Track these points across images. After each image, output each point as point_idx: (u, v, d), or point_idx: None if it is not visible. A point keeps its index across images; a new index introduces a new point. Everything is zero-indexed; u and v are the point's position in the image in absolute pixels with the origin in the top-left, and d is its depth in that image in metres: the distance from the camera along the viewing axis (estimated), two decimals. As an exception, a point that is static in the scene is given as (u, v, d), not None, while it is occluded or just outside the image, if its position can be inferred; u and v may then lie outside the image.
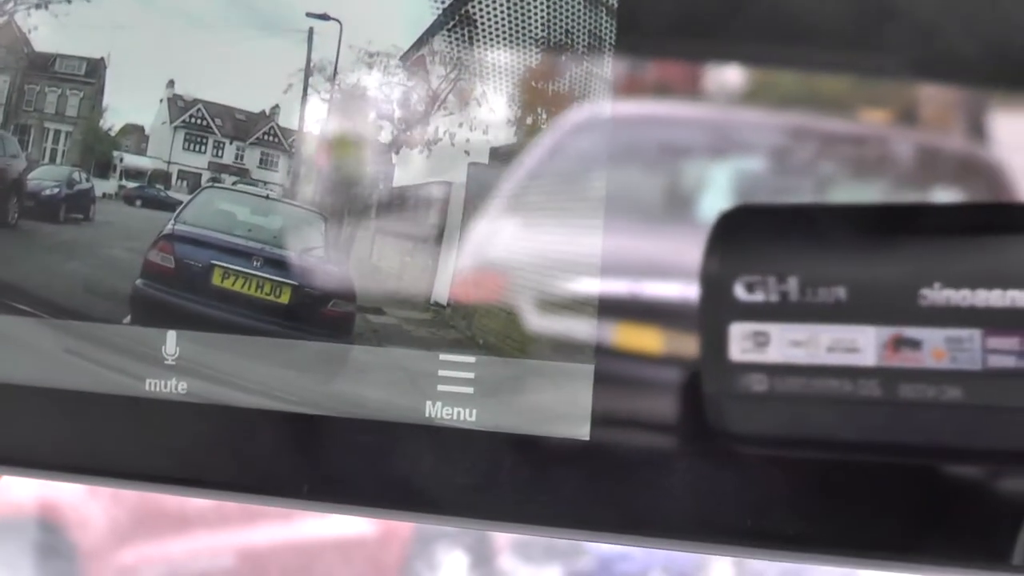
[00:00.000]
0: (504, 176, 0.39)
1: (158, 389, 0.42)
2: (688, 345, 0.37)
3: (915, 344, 0.35)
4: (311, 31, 0.41)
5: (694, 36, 0.39)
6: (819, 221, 0.36)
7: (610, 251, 0.38)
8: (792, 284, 0.36)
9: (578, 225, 0.38)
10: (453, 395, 0.39)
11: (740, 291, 0.36)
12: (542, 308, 0.39)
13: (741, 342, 0.36)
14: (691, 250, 0.37)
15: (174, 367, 0.42)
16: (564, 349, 0.38)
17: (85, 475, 0.44)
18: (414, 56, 0.41)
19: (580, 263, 0.38)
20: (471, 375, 0.39)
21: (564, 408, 0.38)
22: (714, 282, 0.36)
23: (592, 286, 0.38)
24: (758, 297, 0.36)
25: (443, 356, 0.39)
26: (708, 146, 0.38)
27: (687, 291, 0.37)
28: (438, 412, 0.39)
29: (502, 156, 0.40)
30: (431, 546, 2.68)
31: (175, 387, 0.42)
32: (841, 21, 0.37)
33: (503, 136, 0.40)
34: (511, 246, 0.39)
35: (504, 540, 2.64)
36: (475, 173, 0.40)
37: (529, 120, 0.39)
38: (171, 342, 0.42)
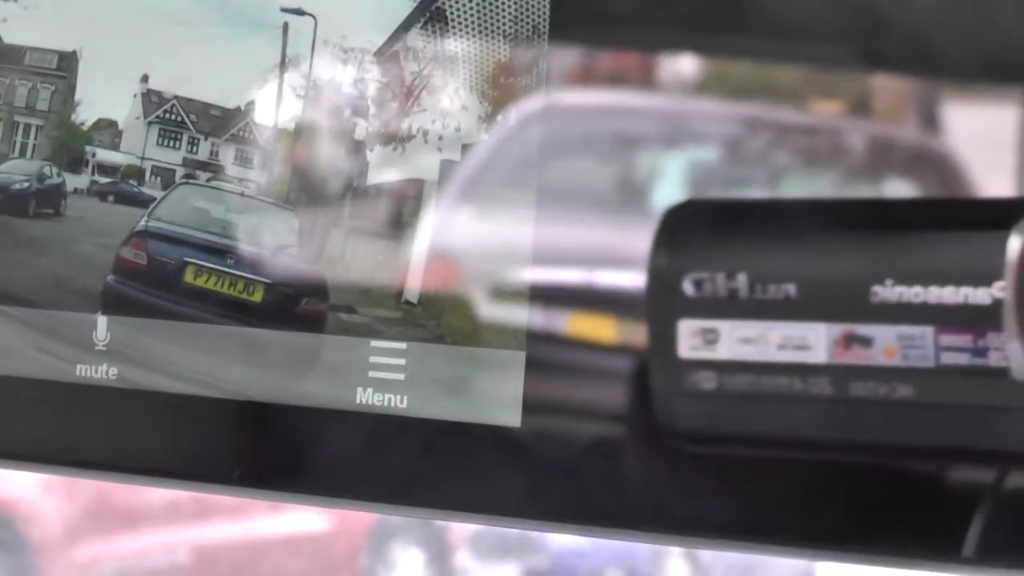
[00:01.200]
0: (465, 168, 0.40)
1: (89, 374, 0.43)
2: (634, 337, 0.38)
3: (866, 341, 0.35)
4: (286, 26, 0.42)
5: (650, 25, 0.39)
6: (769, 216, 0.37)
7: (543, 240, 0.38)
8: (741, 280, 0.36)
9: (513, 214, 0.38)
10: (384, 382, 0.40)
11: (688, 287, 0.36)
12: (484, 296, 0.39)
13: (690, 339, 0.36)
14: (641, 240, 0.37)
15: (105, 352, 0.42)
16: (498, 336, 0.39)
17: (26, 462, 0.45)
18: (388, 51, 0.41)
19: (514, 251, 0.38)
20: (403, 362, 0.39)
21: (496, 395, 0.38)
22: (662, 278, 0.37)
23: (523, 274, 0.38)
24: (707, 293, 0.36)
25: (375, 343, 0.40)
26: (661, 136, 0.39)
27: (633, 281, 0.37)
28: (369, 399, 0.40)
29: (474, 154, 0.40)
30: (386, 543, 2.71)
31: (106, 372, 0.42)
32: (794, 11, 0.37)
33: (474, 133, 0.40)
34: (460, 235, 0.40)
35: (460, 537, 2.66)
36: (447, 170, 0.40)
37: (499, 116, 0.40)
38: (102, 327, 0.43)
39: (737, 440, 0.36)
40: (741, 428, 0.36)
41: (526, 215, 0.38)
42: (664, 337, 0.36)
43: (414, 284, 0.40)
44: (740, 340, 0.36)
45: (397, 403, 0.39)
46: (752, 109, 0.38)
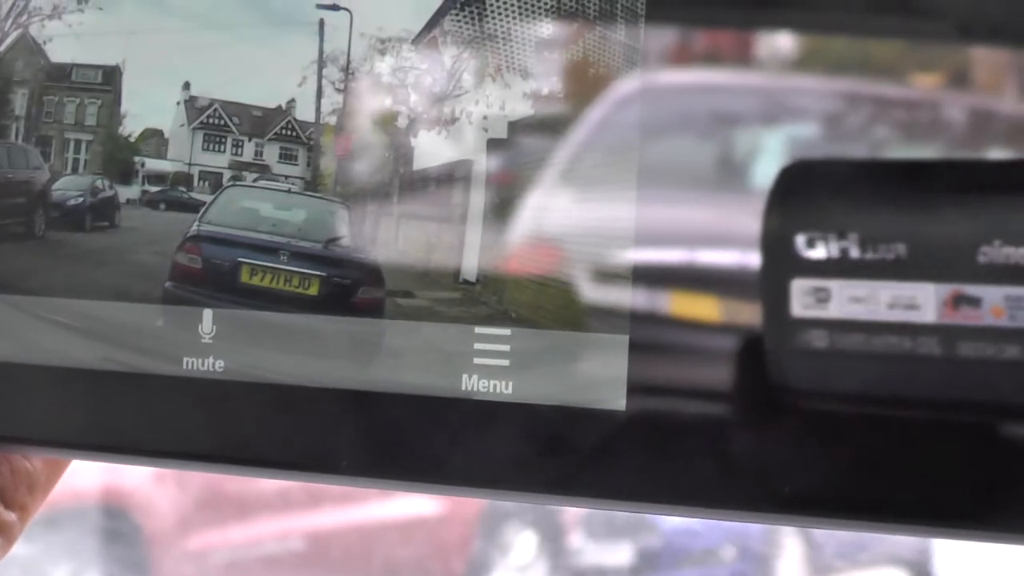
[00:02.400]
0: (524, 149, 0.41)
1: (195, 367, 0.43)
2: (737, 315, 0.38)
3: (974, 302, 0.36)
4: (322, 22, 0.43)
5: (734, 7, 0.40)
6: (880, 176, 0.38)
7: (643, 220, 0.39)
8: (853, 240, 0.37)
9: (614, 194, 0.39)
10: (489, 368, 0.40)
11: (801, 247, 0.37)
12: (580, 278, 0.40)
13: (802, 298, 0.37)
14: (741, 218, 0.38)
15: (211, 345, 0.43)
16: (598, 319, 0.39)
17: (133, 455, 0.46)
18: (426, 39, 0.42)
19: (614, 232, 0.39)
20: (507, 348, 0.40)
21: (599, 378, 0.39)
22: (775, 237, 0.38)
23: (626, 254, 0.39)
24: (819, 253, 0.37)
25: (478, 330, 0.41)
26: (759, 113, 0.39)
27: (735, 258, 0.38)
28: (474, 385, 0.40)
29: (521, 130, 0.41)
30: (499, 526, 2.71)
31: (212, 364, 0.43)
32: None
33: (520, 110, 0.41)
34: (549, 218, 0.41)
35: (573, 518, 2.67)
36: (495, 149, 0.41)
37: (545, 91, 0.41)
38: (208, 320, 0.44)
39: (848, 398, 0.37)
40: (852, 386, 0.37)
41: (627, 196, 0.39)
42: (777, 296, 0.37)
43: (471, 263, 0.41)
44: (851, 299, 0.37)
45: (502, 389, 0.40)
46: (850, 84, 0.39)
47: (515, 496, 0.42)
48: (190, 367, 0.44)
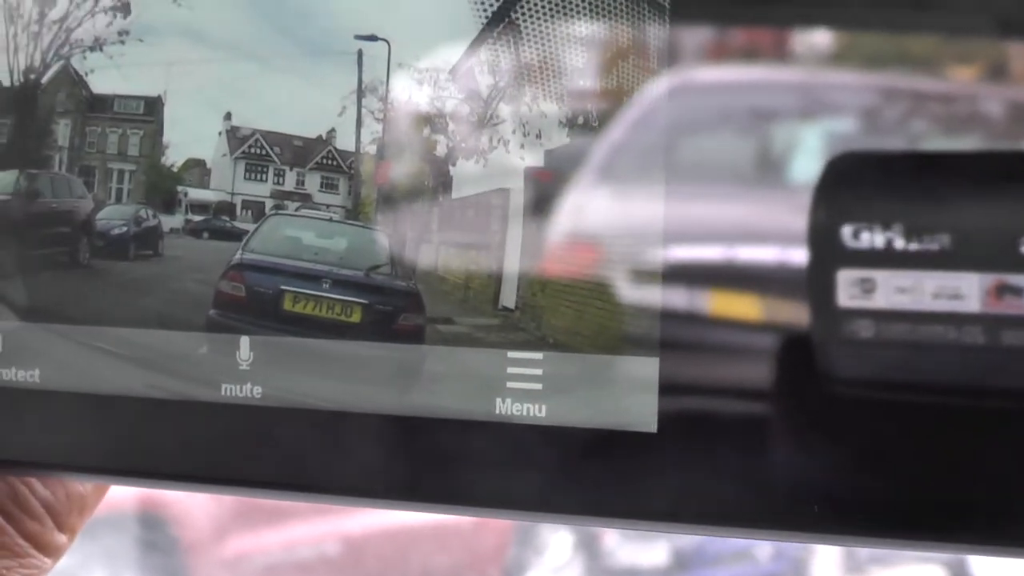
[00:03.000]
0: (561, 176, 0.42)
1: (234, 393, 0.45)
2: (781, 304, 0.39)
3: (1017, 291, 0.37)
4: (360, 53, 0.44)
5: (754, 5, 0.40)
6: (924, 168, 0.38)
7: (680, 218, 0.40)
8: (898, 231, 0.38)
9: (647, 194, 0.40)
10: (522, 392, 0.41)
11: (847, 237, 0.38)
12: (613, 286, 0.41)
13: (848, 288, 0.38)
14: (780, 214, 0.39)
15: (249, 372, 0.44)
16: (629, 341, 0.40)
17: (170, 481, 0.47)
18: (463, 68, 0.43)
19: (646, 232, 0.40)
20: (539, 371, 0.41)
21: (630, 401, 0.40)
22: (822, 228, 0.38)
23: (656, 260, 0.40)
24: (864, 244, 0.38)
25: (511, 354, 0.41)
26: (796, 108, 0.40)
27: (775, 253, 0.39)
28: (508, 409, 0.41)
29: (557, 158, 0.42)
30: (535, 527, 2.72)
31: (250, 391, 0.44)
32: None
33: (556, 138, 0.42)
34: (583, 221, 0.41)
35: None
36: (532, 177, 0.42)
37: (580, 120, 0.41)
38: (245, 347, 0.45)
39: (894, 387, 0.38)
40: (898, 375, 0.38)
41: (657, 194, 0.40)
42: (824, 286, 0.38)
43: (510, 290, 0.42)
44: (896, 289, 0.38)
45: (536, 412, 0.41)
46: (887, 78, 0.39)
47: (550, 518, 0.43)
48: (228, 393, 0.45)
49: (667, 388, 0.40)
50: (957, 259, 0.37)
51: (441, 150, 0.44)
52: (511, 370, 0.42)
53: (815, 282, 0.38)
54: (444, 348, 0.43)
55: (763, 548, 2.57)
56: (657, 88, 0.41)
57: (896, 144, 0.39)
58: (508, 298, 0.42)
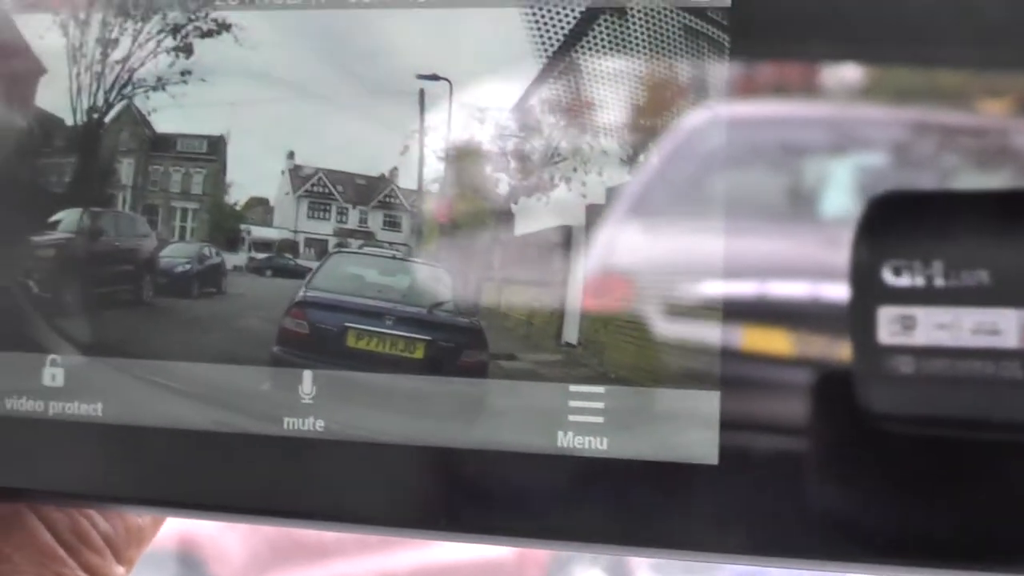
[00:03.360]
0: (622, 212, 0.42)
1: (296, 427, 0.45)
2: (811, 348, 0.40)
3: None
4: (422, 92, 0.45)
5: (807, 41, 0.41)
6: (963, 206, 0.40)
7: (713, 254, 0.41)
8: (937, 268, 0.39)
9: (700, 232, 0.41)
10: (584, 425, 0.42)
11: (888, 275, 0.39)
12: (666, 319, 0.41)
13: (889, 325, 0.39)
14: (812, 249, 0.41)
15: (312, 405, 0.45)
16: (690, 376, 0.41)
17: (235, 513, 0.47)
18: (524, 107, 0.44)
19: (698, 268, 0.41)
20: (601, 405, 0.42)
21: (691, 434, 0.40)
22: (863, 266, 0.40)
23: (716, 292, 0.41)
24: (905, 281, 0.39)
25: (573, 388, 0.42)
26: (827, 143, 0.41)
27: (805, 291, 0.40)
28: (570, 442, 0.42)
29: (619, 195, 0.42)
30: (568, 566, 2.73)
31: (313, 424, 0.45)
32: (954, 13, 0.39)
33: (617, 176, 0.42)
34: (633, 255, 0.42)
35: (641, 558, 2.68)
36: (593, 214, 0.43)
37: (641, 157, 0.42)
38: (308, 381, 0.45)
39: (934, 422, 0.39)
40: (938, 411, 0.39)
41: (716, 231, 0.41)
42: (865, 323, 0.39)
43: (572, 325, 0.43)
44: (936, 326, 0.39)
45: (597, 445, 0.42)
46: (918, 112, 0.40)
47: (612, 549, 0.43)
48: (291, 427, 0.45)
49: (728, 421, 0.41)
50: (995, 295, 0.38)
51: (503, 188, 0.44)
52: (573, 404, 0.43)
53: (857, 319, 0.39)
54: (507, 383, 0.43)
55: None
56: (715, 124, 0.41)
57: (928, 178, 0.40)
58: (570, 334, 0.43)
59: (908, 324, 0.39)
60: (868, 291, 0.39)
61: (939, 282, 0.39)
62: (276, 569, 2.57)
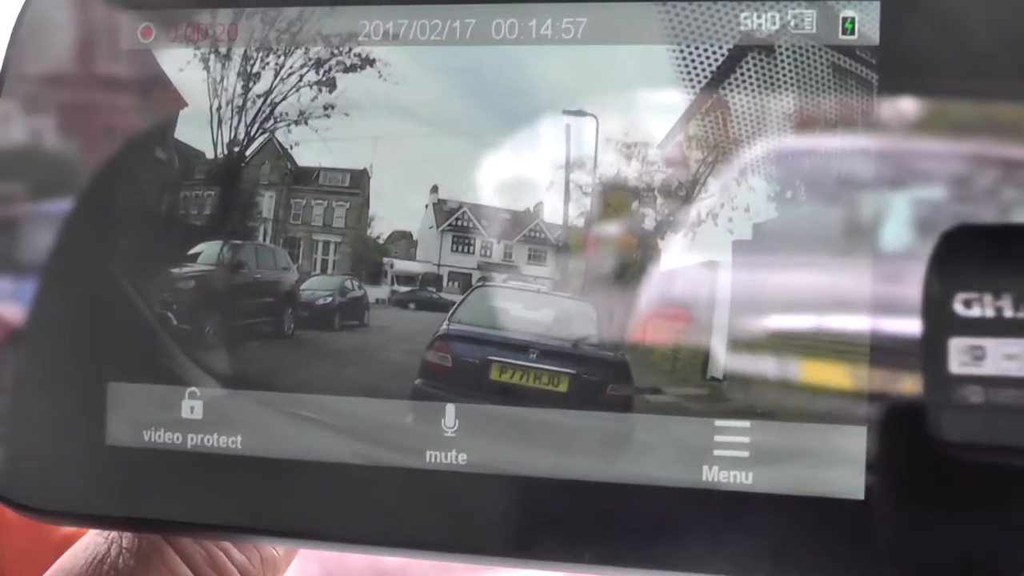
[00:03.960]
0: (769, 249, 0.43)
1: (438, 460, 0.46)
2: (870, 381, 0.42)
3: None
4: (568, 128, 0.45)
5: (953, 77, 0.42)
6: None
7: (882, 293, 0.42)
8: (1007, 300, 0.40)
9: (846, 268, 0.41)
10: (729, 459, 0.43)
11: (959, 307, 0.40)
12: (818, 356, 0.42)
13: (959, 356, 0.40)
14: (869, 283, 0.42)
15: (454, 439, 0.46)
16: (836, 411, 0.41)
17: (375, 546, 0.48)
18: (671, 143, 0.44)
19: (850, 305, 0.42)
20: (747, 440, 0.42)
21: (838, 469, 0.41)
22: (935, 298, 0.41)
23: (863, 332, 0.42)
24: (975, 313, 0.40)
25: (719, 423, 0.43)
26: (885, 177, 0.42)
27: (863, 324, 0.42)
28: (715, 476, 0.42)
29: (765, 232, 0.43)
30: None
31: (455, 458, 0.46)
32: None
33: (764, 212, 0.43)
34: (780, 292, 0.43)
35: None
36: (740, 250, 0.43)
37: (788, 194, 0.43)
38: (450, 415, 0.46)
39: (1004, 451, 0.40)
40: (1008, 440, 0.40)
41: (865, 268, 0.42)
42: (936, 354, 0.41)
43: (718, 360, 0.43)
44: (1005, 356, 0.40)
45: (743, 480, 0.42)
46: (976, 145, 0.41)
47: None
48: (433, 460, 0.46)
49: (874, 456, 0.41)
50: None
51: (649, 223, 0.45)
52: (718, 438, 0.43)
53: (929, 350, 0.41)
54: (652, 417, 0.44)
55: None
56: (864, 158, 0.42)
57: (986, 212, 0.41)
58: (716, 368, 0.43)
59: (978, 355, 0.40)
60: (939, 322, 0.40)
61: (1009, 313, 0.40)
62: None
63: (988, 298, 0.40)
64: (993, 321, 0.40)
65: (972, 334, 0.40)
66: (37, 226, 0.53)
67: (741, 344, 0.44)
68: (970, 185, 0.42)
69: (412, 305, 0.50)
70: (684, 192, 0.45)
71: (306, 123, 0.50)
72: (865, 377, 0.42)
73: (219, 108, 0.51)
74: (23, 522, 0.57)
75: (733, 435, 0.43)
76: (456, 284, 0.49)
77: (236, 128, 0.51)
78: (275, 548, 0.53)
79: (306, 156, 0.50)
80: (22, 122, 0.53)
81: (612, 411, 0.45)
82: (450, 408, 0.47)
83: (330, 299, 0.50)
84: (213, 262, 0.51)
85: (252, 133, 0.50)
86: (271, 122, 0.50)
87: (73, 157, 0.53)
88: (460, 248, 0.49)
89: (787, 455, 0.43)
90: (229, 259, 0.51)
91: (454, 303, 0.49)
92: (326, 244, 0.50)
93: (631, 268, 0.46)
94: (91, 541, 0.52)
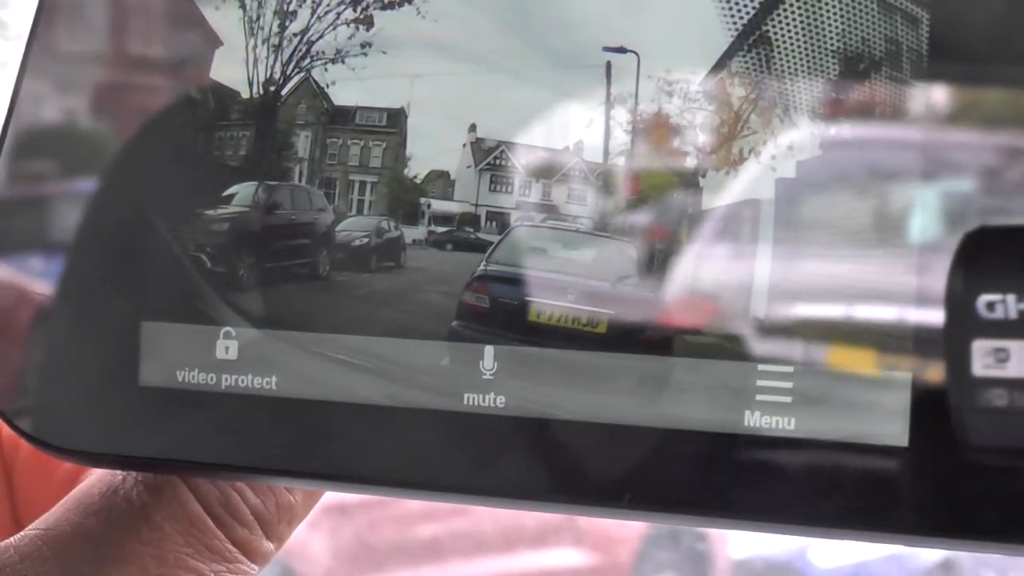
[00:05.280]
0: (813, 187, 0.42)
1: (477, 403, 0.46)
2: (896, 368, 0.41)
3: None
4: (609, 65, 0.45)
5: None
6: None
7: (801, 275, 0.43)
8: None
9: (890, 248, 0.42)
10: (771, 404, 0.42)
11: (982, 309, 0.40)
12: (865, 297, 0.42)
13: (983, 358, 0.40)
14: (898, 273, 0.41)
15: (492, 381, 0.46)
16: (881, 357, 0.41)
17: (408, 489, 0.49)
18: (713, 80, 0.44)
19: (893, 288, 0.42)
20: (790, 384, 0.42)
21: (882, 416, 0.41)
22: (958, 300, 0.40)
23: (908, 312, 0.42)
24: (999, 315, 0.40)
25: (761, 367, 0.43)
26: (916, 168, 0.42)
27: (892, 314, 0.41)
28: (757, 421, 0.42)
29: (809, 169, 0.42)
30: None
31: (493, 400, 0.46)
32: None
33: (808, 149, 0.42)
34: (836, 233, 0.43)
35: (724, 567, 2.71)
36: (783, 188, 0.43)
37: (833, 132, 0.42)
38: (489, 357, 0.46)
39: None
40: None
41: (907, 254, 0.42)
42: (959, 356, 0.40)
43: (760, 300, 0.43)
44: None
45: (784, 425, 0.42)
46: (1008, 137, 0.41)
47: (798, 530, 0.43)
48: (471, 403, 0.46)
49: (919, 403, 0.41)
50: None
51: (691, 161, 0.45)
52: (761, 383, 0.43)
53: (952, 352, 0.40)
54: (692, 360, 0.44)
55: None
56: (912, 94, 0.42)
57: (1017, 205, 0.40)
58: (758, 309, 0.43)
59: (1002, 357, 0.39)
60: (962, 324, 0.40)
61: None
62: (356, 570, 2.60)
63: (1012, 299, 0.39)
64: (1017, 323, 0.39)
65: (996, 336, 0.39)
66: (69, 204, 0.53)
67: (783, 286, 0.43)
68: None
69: (449, 246, 0.49)
70: (727, 129, 0.45)
71: (343, 62, 0.49)
72: (912, 322, 0.41)
73: (255, 47, 0.51)
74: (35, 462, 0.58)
75: (776, 380, 0.43)
76: (494, 224, 0.49)
77: (272, 67, 0.50)
78: (293, 495, 0.53)
79: (342, 95, 0.50)
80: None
81: (652, 352, 0.45)
82: (489, 350, 0.47)
83: (366, 240, 0.50)
84: (248, 203, 0.51)
85: (288, 72, 0.50)
86: (307, 61, 0.50)
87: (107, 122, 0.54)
88: (498, 188, 0.49)
89: (830, 401, 0.43)
90: (264, 200, 0.51)
91: (492, 243, 0.49)
92: (362, 184, 0.50)
93: (672, 207, 0.45)
94: (104, 474, 0.53)
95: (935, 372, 0.41)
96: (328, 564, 2.59)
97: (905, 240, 0.41)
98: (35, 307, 0.53)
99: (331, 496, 0.56)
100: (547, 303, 0.47)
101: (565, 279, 0.47)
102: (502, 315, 0.47)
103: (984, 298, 0.39)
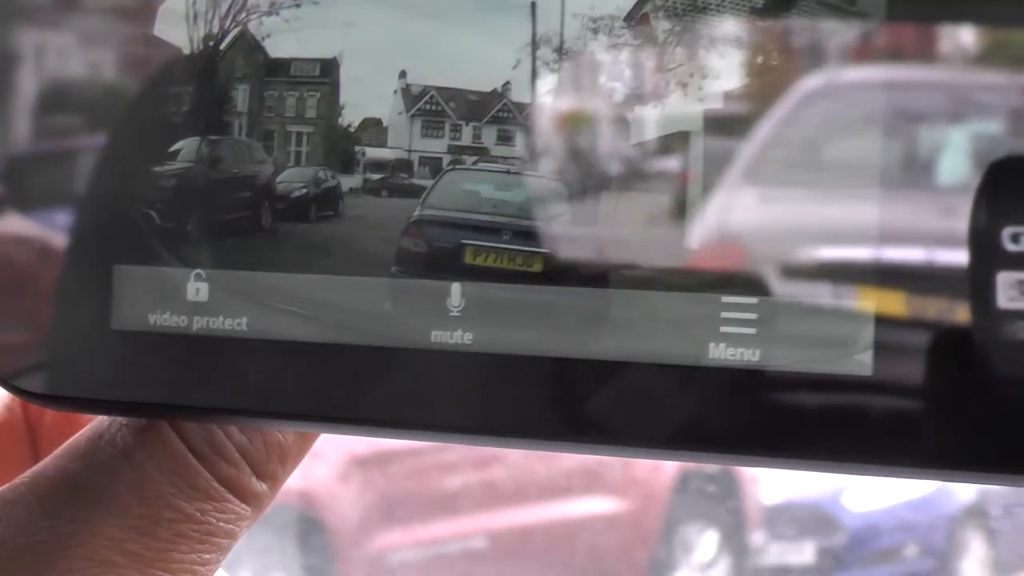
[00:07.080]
0: (741, 118, 0.42)
1: (444, 340, 0.46)
2: (925, 310, 0.41)
3: None
4: (533, 5, 0.45)
5: None
6: None
7: (828, 217, 0.42)
8: None
9: (851, 192, 0.41)
10: (736, 336, 0.43)
11: (1007, 241, 0.39)
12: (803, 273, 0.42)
13: (1007, 290, 0.39)
14: (926, 215, 0.41)
15: (460, 318, 0.46)
16: (843, 284, 0.42)
17: (376, 427, 0.49)
18: (638, 15, 0.44)
19: (854, 231, 0.42)
20: (754, 316, 0.43)
21: (846, 345, 0.41)
22: (982, 232, 0.40)
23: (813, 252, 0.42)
24: (1023, 247, 0.39)
25: (725, 299, 0.43)
26: (943, 110, 0.41)
27: (919, 256, 0.41)
28: (721, 353, 0.43)
29: (736, 99, 0.42)
30: (681, 524, 2.76)
31: (461, 337, 0.46)
32: None
33: (736, 79, 0.42)
34: (745, 217, 0.42)
35: (756, 516, 2.71)
36: (711, 119, 0.43)
37: (760, 60, 0.42)
38: (456, 294, 0.46)
39: None
40: None
41: (869, 193, 0.41)
42: (983, 288, 0.40)
43: (692, 233, 0.43)
44: None
45: (749, 357, 0.42)
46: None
47: (764, 462, 0.44)
48: (438, 340, 0.46)
49: (882, 331, 0.41)
50: None
51: (618, 97, 0.45)
52: (724, 315, 0.43)
53: (975, 284, 0.40)
54: (629, 292, 0.44)
55: (911, 547, 2.59)
56: (809, 85, 0.41)
57: None
58: (693, 242, 0.43)
59: None
60: (986, 256, 0.39)
61: None
62: (387, 522, 2.63)
63: None
64: None
65: (1020, 268, 0.39)
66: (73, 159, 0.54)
67: (724, 251, 0.43)
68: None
69: (385, 192, 0.49)
70: (653, 63, 0.44)
71: (277, 14, 0.49)
72: (869, 257, 0.41)
73: (194, 3, 0.51)
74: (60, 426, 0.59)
75: (740, 311, 0.43)
76: (427, 169, 0.49)
77: (211, 22, 0.51)
78: (282, 434, 0.53)
79: (278, 47, 0.50)
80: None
81: (591, 287, 0.45)
82: (455, 287, 0.47)
83: (305, 190, 0.50)
84: (192, 159, 0.51)
85: (226, 26, 0.51)
86: (243, 14, 0.50)
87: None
88: (430, 132, 0.49)
89: (795, 332, 0.43)
90: (207, 155, 0.51)
91: (426, 188, 0.49)
92: (299, 135, 0.50)
93: (601, 144, 0.45)
94: (94, 422, 0.53)
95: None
96: (359, 515, 2.61)
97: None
98: (58, 262, 0.53)
99: (364, 447, 0.56)
100: (482, 245, 0.47)
101: (499, 220, 0.47)
102: (438, 259, 0.47)
103: (1009, 230, 0.39)
